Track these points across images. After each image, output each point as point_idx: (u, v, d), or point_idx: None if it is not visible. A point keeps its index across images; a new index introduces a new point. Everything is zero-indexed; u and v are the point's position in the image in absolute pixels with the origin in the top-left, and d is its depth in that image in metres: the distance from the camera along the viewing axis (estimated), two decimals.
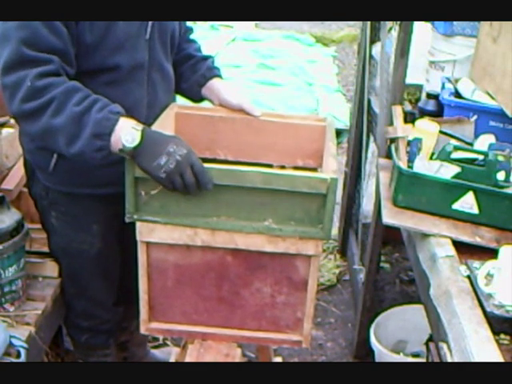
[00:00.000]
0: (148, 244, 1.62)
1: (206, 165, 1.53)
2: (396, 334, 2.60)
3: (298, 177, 1.51)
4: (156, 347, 2.69)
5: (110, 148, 1.49)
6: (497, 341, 1.32)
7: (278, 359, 2.11)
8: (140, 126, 1.50)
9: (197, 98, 1.99)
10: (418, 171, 1.78)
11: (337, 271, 3.31)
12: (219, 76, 1.97)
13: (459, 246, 1.65)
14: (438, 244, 1.66)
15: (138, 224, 1.58)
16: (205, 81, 1.94)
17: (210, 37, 6.44)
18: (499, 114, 2.02)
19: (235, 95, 1.92)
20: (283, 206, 1.53)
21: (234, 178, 1.51)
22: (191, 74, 1.96)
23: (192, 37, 2.07)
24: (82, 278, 2.01)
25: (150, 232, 1.59)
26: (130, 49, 1.68)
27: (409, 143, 1.93)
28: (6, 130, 2.37)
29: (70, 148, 1.51)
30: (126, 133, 1.47)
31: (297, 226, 1.55)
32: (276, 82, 5.59)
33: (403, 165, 1.81)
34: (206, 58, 2.00)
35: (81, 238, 1.90)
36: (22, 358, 1.65)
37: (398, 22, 2.17)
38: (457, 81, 2.26)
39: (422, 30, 2.50)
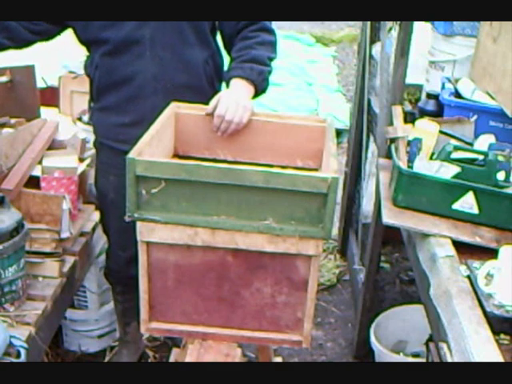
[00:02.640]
0: (148, 244, 1.62)
1: (208, 164, 1.53)
2: (396, 334, 2.60)
3: (299, 176, 1.51)
4: (156, 347, 2.69)
5: None
6: (497, 341, 1.32)
7: (278, 359, 2.12)
8: None
9: None
10: (417, 171, 1.78)
11: (337, 271, 3.31)
12: (236, 76, 1.94)
13: (459, 246, 1.65)
14: (438, 244, 1.66)
15: (139, 224, 1.58)
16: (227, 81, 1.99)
17: None
18: (499, 114, 2.02)
19: (216, 97, 1.90)
20: (283, 205, 1.53)
21: (234, 177, 1.51)
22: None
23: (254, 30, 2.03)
24: (105, 220, 2.31)
25: (151, 232, 1.59)
26: (120, 26, 1.93)
27: (409, 143, 1.93)
28: (5, 130, 2.37)
29: None
30: None
31: (297, 226, 1.55)
32: (276, 81, 5.58)
33: (403, 165, 1.81)
34: (236, 57, 2.00)
35: (103, 183, 2.22)
36: (22, 358, 1.64)
37: (398, 22, 2.17)
38: (457, 81, 2.26)
39: (422, 29, 2.50)
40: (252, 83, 1.93)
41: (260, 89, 1.97)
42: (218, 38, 2.13)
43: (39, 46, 2.13)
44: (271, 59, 2.02)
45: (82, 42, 2.05)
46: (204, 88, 2.06)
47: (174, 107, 1.92)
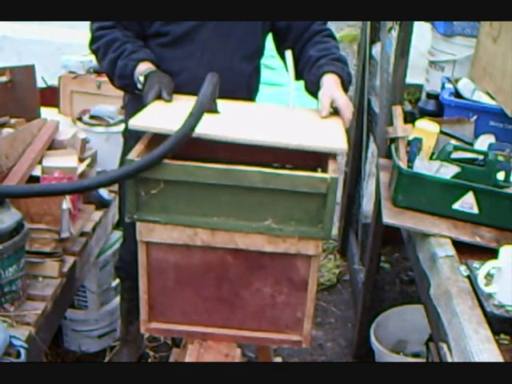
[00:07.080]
0: (148, 244, 1.62)
1: (207, 165, 1.53)
2: (396, 334, 2.60)
3: (298, 176, 1.51)
4: (156, 347, 2.69)
5: (134, 86, 1.91)
6: (497, 341, 1.32)
7: (278, 359, 2.12)
8: (147, 71, 1.87)
9: None
10: (418, 171, 1.78)
11: (337, 271, 3.31)
12: (333, 72, 1.95)
13: (459, 245, 1.66)
14: (438, 244, 1.66)
15: (138, 224, 1.58)
16: (316, 81, 2.02)
17: None
18: (499, 114, 2.02)
19: (328, 95, 1.92)
20: (283, 205, 1.53)
21: (233, 178, 1.51)
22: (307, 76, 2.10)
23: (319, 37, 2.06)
24: (122, 210, 2.27)
25: (150, 232, 1.59)
26: (183, 22, 1.97)
27: (409, 143, 1.93)
28: (5, 130, 2.37)
29: (115, 82, 2.00)
30: (138, 77, 1.89)
31: (297, 226, 1.55)
32: (276, 81, 5.58)
33: (403, 165, 1.81)
34: (319, 58, 2.01)
35: None
36: (22, 358, 1.64)
37: (398, 22, 2.17)
38: (457, 81, 2.26)
39: (422, 30, 2.50)
40: (342, 81, 1.94)
41: (345, 89, 1.96)
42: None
43: (39, 46, 2.13)
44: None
45: (142, 35, 2.02)
46: (243, 99, 2.05)
47: None
